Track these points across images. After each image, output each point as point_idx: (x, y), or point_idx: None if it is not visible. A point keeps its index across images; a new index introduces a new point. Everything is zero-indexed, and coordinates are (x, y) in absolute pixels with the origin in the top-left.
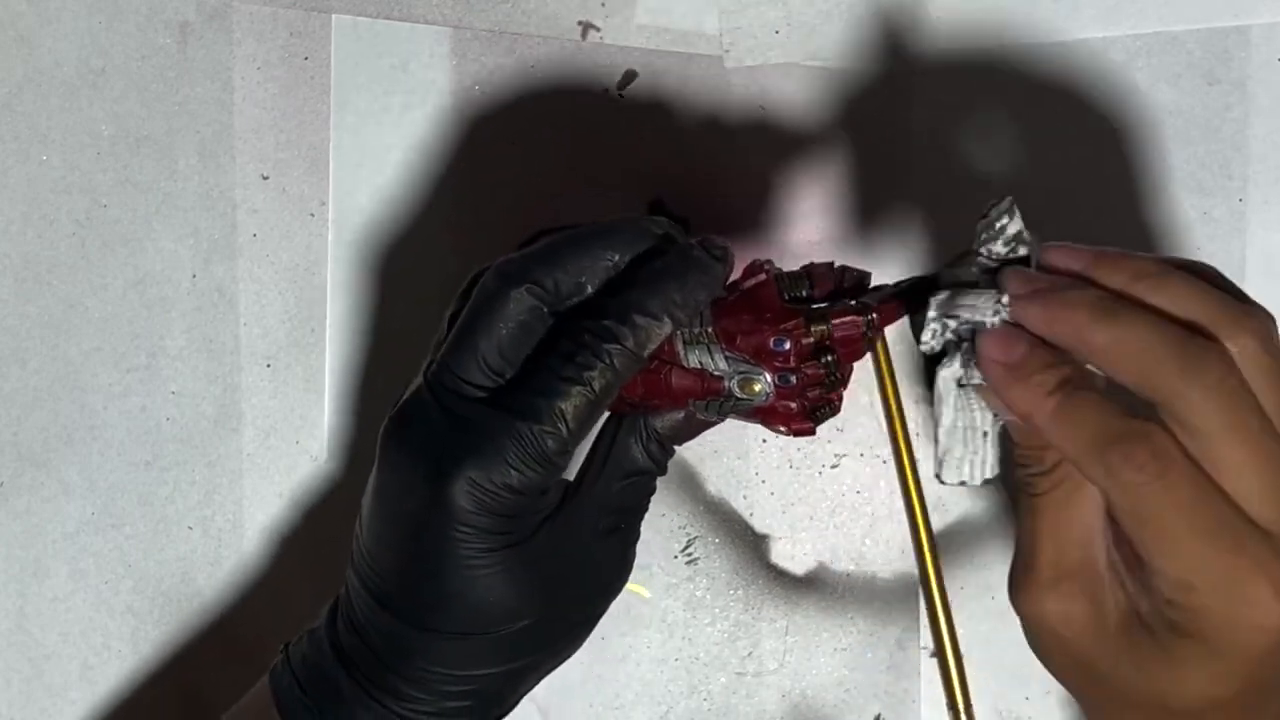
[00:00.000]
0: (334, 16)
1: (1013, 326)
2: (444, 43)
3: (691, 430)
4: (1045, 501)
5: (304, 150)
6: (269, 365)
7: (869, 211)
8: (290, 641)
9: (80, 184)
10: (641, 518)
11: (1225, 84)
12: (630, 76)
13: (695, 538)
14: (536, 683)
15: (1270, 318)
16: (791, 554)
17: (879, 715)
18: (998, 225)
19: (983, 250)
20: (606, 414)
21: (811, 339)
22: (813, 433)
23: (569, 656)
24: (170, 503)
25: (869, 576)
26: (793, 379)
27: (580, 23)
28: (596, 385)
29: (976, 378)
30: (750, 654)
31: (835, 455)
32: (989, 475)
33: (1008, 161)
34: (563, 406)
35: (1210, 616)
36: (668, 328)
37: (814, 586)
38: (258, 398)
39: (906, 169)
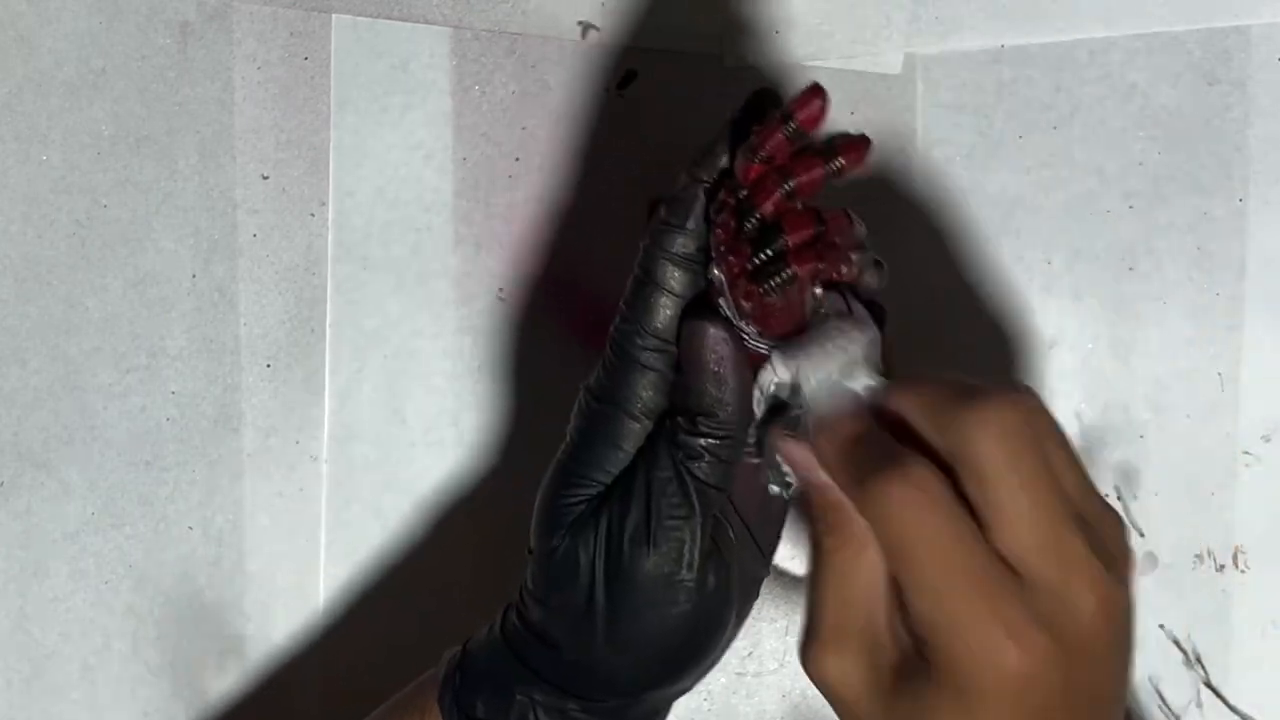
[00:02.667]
0: (334, 16)
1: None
2: (444, 43)
3: (748, 488)
4: (831, 561)
5: (304, 150)
6: (269, 365)
7: (868, 212)
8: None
9: (80, 184)
10: (687, 524)
11: (1225, 84)
12: (630, 76)
13: None
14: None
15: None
16: (791, 554)
17: None
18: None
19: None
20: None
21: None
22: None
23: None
24: (170, 503)
25: None
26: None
27: (580, 23)
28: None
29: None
30: (750, 654)
31: None
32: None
33: (1008, 161)
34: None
35: (953, 657)
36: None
37: None
38: (258, 398)
39: (906, 169)
